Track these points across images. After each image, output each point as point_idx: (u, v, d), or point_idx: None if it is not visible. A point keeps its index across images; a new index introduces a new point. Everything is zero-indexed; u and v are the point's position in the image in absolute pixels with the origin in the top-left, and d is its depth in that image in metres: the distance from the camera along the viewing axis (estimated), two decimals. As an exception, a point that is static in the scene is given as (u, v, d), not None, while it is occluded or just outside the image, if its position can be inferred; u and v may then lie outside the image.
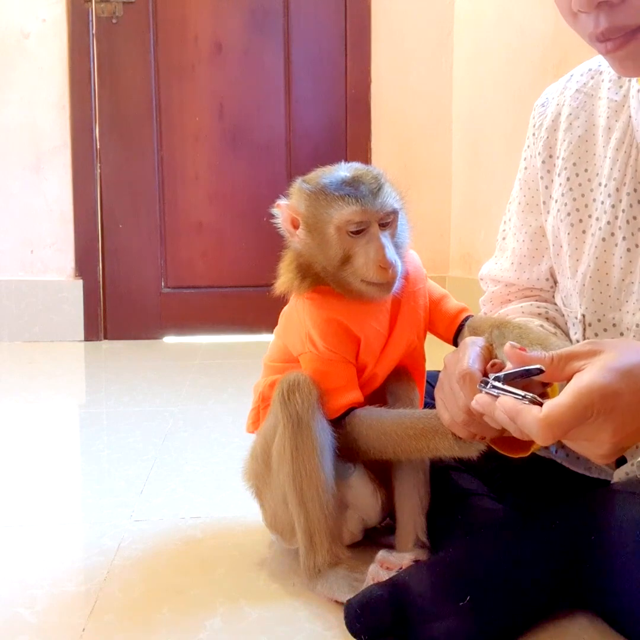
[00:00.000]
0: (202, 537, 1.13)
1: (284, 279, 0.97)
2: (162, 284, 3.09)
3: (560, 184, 1.03)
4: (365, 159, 3.05)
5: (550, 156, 1.06)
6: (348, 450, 0.96)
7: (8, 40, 2.92)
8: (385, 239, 0.92)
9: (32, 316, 2.98)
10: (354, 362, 0.96)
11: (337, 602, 0.89)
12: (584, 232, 0.99)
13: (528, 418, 0.70)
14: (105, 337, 3.04)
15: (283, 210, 0.96)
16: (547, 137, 1.06)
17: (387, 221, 0.93)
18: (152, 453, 1.55)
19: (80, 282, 3.01)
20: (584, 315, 0.98)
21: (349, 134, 3.10)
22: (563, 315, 1.08)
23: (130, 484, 1.36)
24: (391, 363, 1.00)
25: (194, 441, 1.65)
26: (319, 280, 0.96)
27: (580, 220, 1.00)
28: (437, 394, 0.88)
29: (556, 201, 1.04)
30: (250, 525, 1.13)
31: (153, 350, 2.90)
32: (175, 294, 3.10)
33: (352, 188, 0.92)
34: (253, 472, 1.03)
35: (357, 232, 0.91)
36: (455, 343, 1.00)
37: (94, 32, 2.95)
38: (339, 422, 0.95)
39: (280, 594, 0.95)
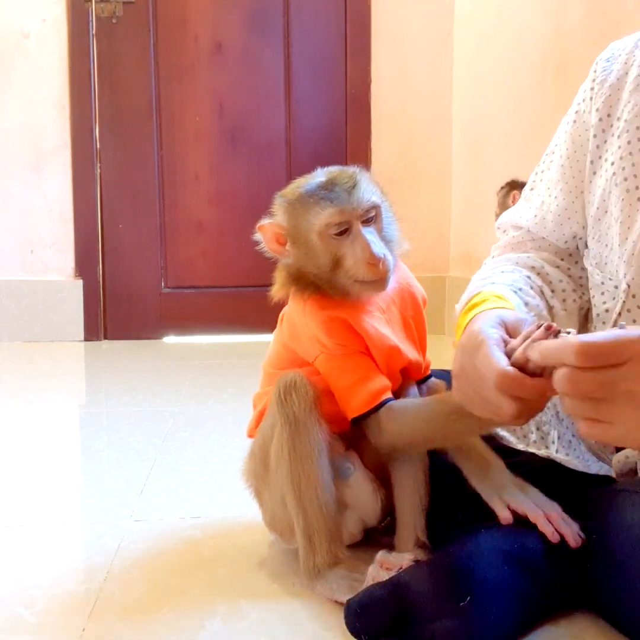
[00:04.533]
0: (202, 537, 1.13)
1: (279, 286, 0.98)
2: (162, 284, 3.09)
3: (620, 147, 0.97)
4: (366, 159, 3.05)
5: (609, 115, 1.00)
6: (379, 447, 0.95)
7: (8, 40, 2.92)
8: (370, 234, 0.91)
9: (32, 316, 2.98)
10: (368, 353, 0.95)
11: (337, 602, 0.89)
12: (639, 199, 0.94)
13: (564, 342, 0.67)
14: (105, 337, 3.04)
15: (266, 231, 0.96)
16: (609, 95, 1.00)
17: (370, 217, 0.92)
18: (152, 453, 1.55)
19: (80, 282, 3.01)
20: (629, 285, 0.94)
21: (349, 134, 3.10)
22: (564, 277, 1.06)
23: (130, 484, 1.36)
24: (397, 370, 0.99)
25: (194, 441, 1.65)
26: (314, 288, 0.95)
27: (637, 187, 0.94)
28: (470, 406, 0.81)
29: (612, 163, 0.98)
30: (250, 525, 1.13)
31: (153, 350, 2.90)
32: (175, 294, 3.10)
33: (327, 191, 0.91)
34: (252, 472, 1.03)
35: (341, 234, 0.91)
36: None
37: (94, 32, 2.95)
38: (366, 418, 0.93)
39: (280, 594, 0.95)
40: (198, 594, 0.95)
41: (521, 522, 0.92)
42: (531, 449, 1.08)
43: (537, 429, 1.11)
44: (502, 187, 2.44)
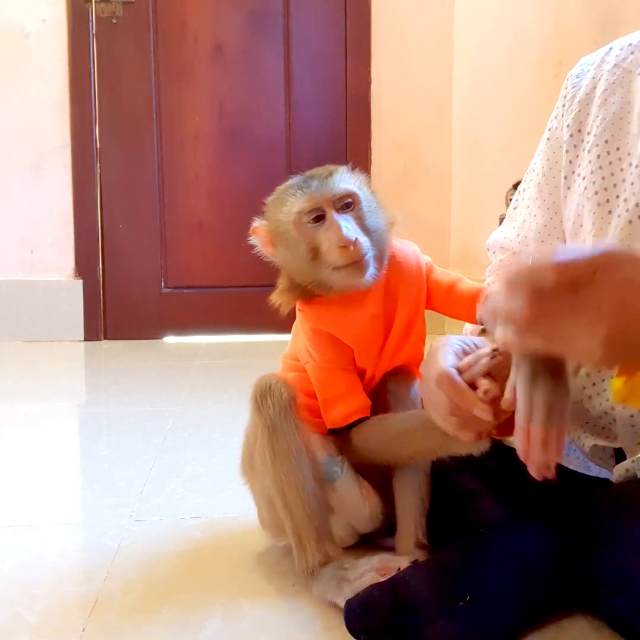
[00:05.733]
0: (202, 537, 1.13)
1: (276, 292, 0.99)
2: (162, 284, 3.09)
3: (590, 161, 0.98)
4: (366, 158, 3.05)
5: (579, 130, 1.01)
6: (360, 459, 0.98)
7: (8, 40, 2.92)
8: (344, 220, 0.91)
9: (32, 316, 2.98)
10: (352, 368, 0.97)
11: (330, 602, 0.89)
12: (610, 212, 0.95)
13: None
14: (105, 337, 3.04)
15: (260, 234, 0.97)
16: (579, 111, 1.01)
17: (345, 203, 0.92)
18: (152, 453, 1.55)
19: (80, 282, 3.01)
20: None
21: (349, 134, 3.10)
22: None
23: (130, 484, 1.36)
24: (392, 362, 1.00)
25: (194, 441, 1.65)
26: (305, 291, 0.96)
27: (608, 200, 0.95)
28: (426, 405, 0.87)
29: (584, 178, 0.99)
30: (250, 525, 1.13)
31: (153, 350, 2.90)
32: (175, 294, 3.10)
33: (302, 183, 0.93)
34: (243, 472, 1.05)
35: (316, 221, 0.91)
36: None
37: (94, 32, 2.95)
38: (345, 430, 0.97)
39: (280, 594, 0.95)
40: (198, 594, 0.95)
41: (522, 524, 0.92)
42: (531, 449, 1.07)
43: (538, 429, 1.11)
44: (510, 189, 2.43)
